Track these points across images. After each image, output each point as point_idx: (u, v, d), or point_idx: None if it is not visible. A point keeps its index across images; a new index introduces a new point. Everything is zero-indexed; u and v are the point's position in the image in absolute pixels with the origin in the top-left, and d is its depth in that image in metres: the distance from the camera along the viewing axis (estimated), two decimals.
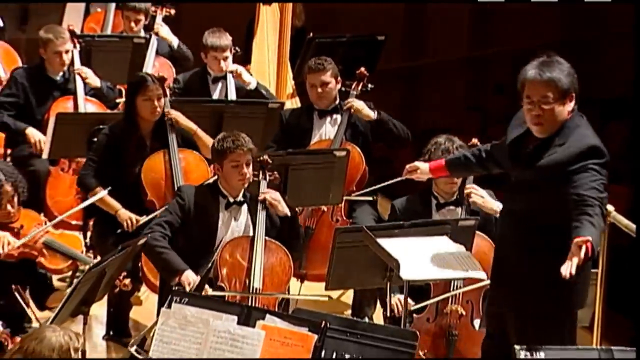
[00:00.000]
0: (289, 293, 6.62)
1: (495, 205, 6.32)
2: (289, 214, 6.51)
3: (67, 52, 7.83)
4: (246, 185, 6.46)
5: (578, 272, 4.92)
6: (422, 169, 5.98)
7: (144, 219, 6.90)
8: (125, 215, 6.94)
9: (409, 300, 6.36)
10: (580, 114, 5.38)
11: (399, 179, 6.48)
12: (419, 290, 6.12)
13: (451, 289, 6.19)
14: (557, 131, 5.30)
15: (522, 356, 4.70)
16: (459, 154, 5.99)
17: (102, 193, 6.81)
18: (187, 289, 6.16)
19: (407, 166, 6.05)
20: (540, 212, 5.30)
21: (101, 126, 7.29)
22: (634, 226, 5.54)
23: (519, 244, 5.40)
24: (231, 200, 6.47)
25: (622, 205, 5.95)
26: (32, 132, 7.69)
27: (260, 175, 6.56)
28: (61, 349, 4.54)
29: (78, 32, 8.49)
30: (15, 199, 6.00)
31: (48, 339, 4.55)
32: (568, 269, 4.89)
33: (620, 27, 10.36)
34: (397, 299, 6.35)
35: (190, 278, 6.20)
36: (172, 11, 8.88)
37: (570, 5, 10.62)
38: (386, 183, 7.17)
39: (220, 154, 6.41)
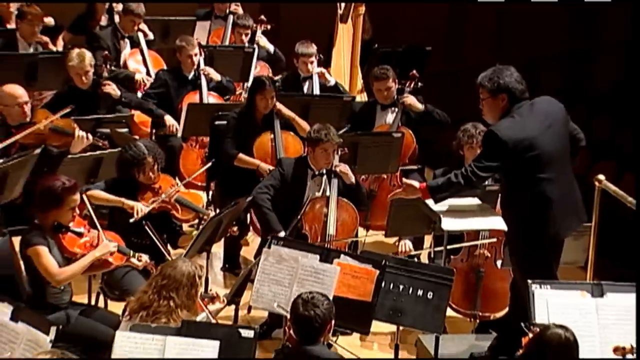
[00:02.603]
0: (356, 237, 6.58)
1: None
2: (354, 181, 6.48)
3: (195, 55, 7.85)
4: (329, 166, 6.43)
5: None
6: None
7: None
8: (265, 167, 6.93)
9: (411, 246, 6.38)
10: (530, 102, 5.19)
11: None
12: (455, 237, 6.06)
13: (480, 237, 6.12)
14: (499, 118, 5.22)
15: (533, 289, 4.63)
16: None
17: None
18: None
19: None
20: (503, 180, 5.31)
21: (220, 113, 7.30)
22: (621, 192, 5.42)
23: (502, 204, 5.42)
24: (316, 172, 6.45)
25: (610, 174, 5.84)
26: (169, 118, 7.71)
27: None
28: (189, 275, 4.61)
29: (204, 43, 8.51)
30: (155, 167, 6.00)
31: (180, 267, 4.63)
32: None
33: (609, 37, 10.11)
34: (403, 243, 6.42)
35: None
36: (269, 26, 8.87)
37: (571, 19, 10.38)
38: None
39: (314, 141, 6.37)
